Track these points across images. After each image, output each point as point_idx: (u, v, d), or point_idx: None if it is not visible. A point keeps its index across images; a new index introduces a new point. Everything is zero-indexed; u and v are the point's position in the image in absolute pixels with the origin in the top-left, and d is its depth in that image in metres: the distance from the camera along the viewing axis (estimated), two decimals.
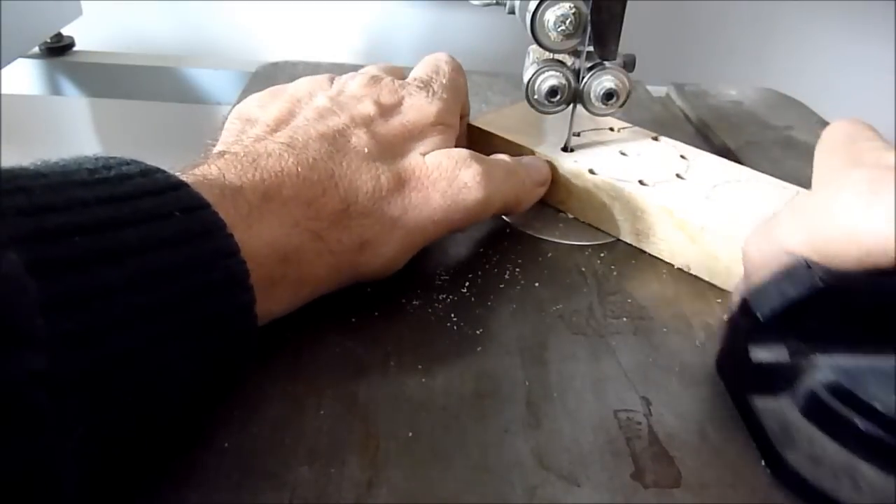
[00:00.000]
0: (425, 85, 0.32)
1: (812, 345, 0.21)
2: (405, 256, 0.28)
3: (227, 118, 0.31)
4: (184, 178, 0.21)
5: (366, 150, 0.27)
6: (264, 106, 0.30)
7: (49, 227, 0.16)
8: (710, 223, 0.29)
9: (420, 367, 0.24)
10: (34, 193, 0.17)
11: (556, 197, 0.35)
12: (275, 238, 0.23)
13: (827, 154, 0.27)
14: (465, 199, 0.28)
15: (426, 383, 0.24)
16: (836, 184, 0.21)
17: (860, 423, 0.19)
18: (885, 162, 0.24)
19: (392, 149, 0.28)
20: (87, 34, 0.64)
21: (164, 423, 0.20)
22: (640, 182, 0.32)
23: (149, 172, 0.20)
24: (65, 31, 0.62)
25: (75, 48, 0.63)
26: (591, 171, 0.33)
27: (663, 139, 0.37)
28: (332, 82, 0.32)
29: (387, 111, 0.30)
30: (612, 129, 0.37)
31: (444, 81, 0.32)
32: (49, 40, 0.61)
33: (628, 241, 0.33)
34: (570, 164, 0.34)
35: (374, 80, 0.31)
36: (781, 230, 0.23)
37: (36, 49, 0.61)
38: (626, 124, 0.38)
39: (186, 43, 0.74)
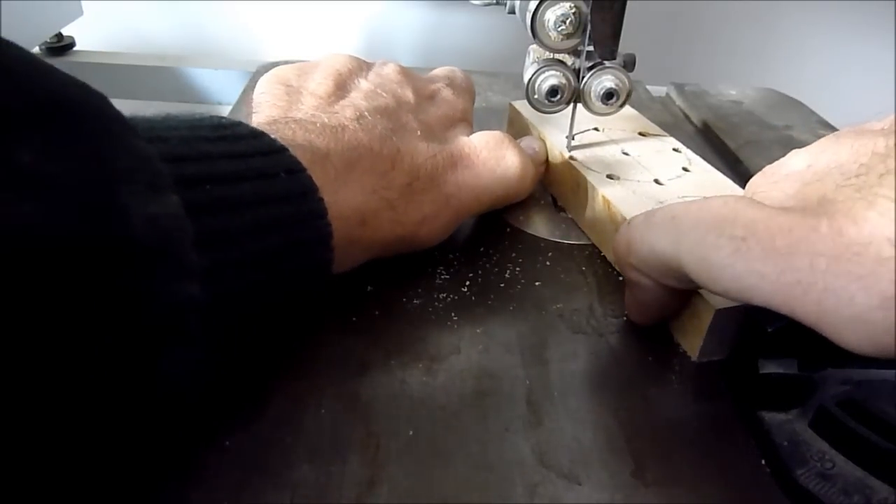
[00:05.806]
0: (451, 83, 0.34)
1: (822, 358, 0.21)
2: (450, 231, 0.29)
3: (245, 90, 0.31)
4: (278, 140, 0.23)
5: (418, 132, 0.29)
6: (304, 76, 0.30)
7: (186, 175, 0.18)
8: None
9: (421, 365, 0.24)
10: (170, 143, 0.18)
11: (545, 179, 0.36)
12: (357, 202, 0.25)
13: None
14: (511, 177, 0.30)
15: (427, 382, 0.24)
16: (661, 208, 0.23)
17: (872, 438, 0.19)
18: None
19: (434, 134, 0.30)
20: (87, 34, 0.64)
21: (242, 352, 0.21)
22: (609, 176, 0.32)
23: (257, 135, 0.22)
24: (65, 31, 0.62)
25: (76, 48, 0.63)
26: (572, 159, 0.33)
27: (684, 150, 0.36)
28: (365, 65, 0.32)
29: (423, 100, 0.32)
30: (642, 134, 0.37)
31: (462, 85, 0.35)
32: (49, 40, 0.61)
33: (585, 231, 0.33)
34: (556, 149, 0.34)
35: (405, 70, 0.33)
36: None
37: (36, 49, 0.61)
38: (660, 131, 0.37)
39: (186, 43, 0.74)
